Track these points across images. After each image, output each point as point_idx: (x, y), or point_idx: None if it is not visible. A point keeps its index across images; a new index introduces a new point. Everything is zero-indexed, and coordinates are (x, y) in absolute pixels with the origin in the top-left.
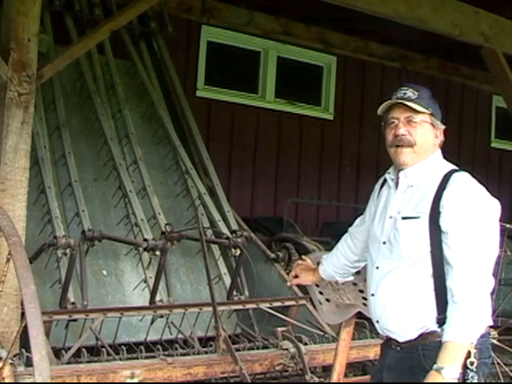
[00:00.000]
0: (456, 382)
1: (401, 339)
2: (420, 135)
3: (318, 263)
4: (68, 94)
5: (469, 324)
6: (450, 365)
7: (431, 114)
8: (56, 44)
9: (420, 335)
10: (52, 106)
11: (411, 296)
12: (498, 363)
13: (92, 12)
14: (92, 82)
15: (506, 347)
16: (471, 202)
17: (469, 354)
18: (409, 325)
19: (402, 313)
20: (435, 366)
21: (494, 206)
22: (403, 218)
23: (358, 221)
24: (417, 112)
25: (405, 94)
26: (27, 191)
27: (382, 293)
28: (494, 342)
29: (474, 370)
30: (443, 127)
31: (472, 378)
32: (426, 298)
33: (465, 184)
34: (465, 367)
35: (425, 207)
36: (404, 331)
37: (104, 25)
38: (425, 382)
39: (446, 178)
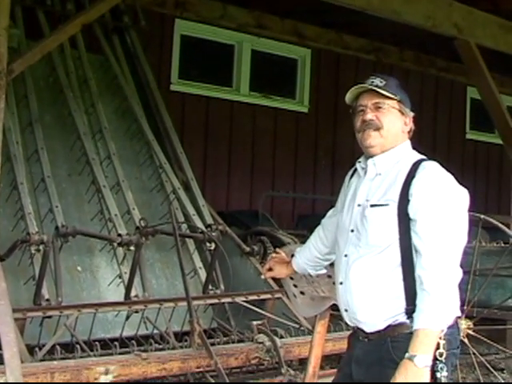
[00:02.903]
0: (428, 370)
1: (369, 329)
2: (388, 121)
3: (292, 256)
4: (40, 88)
5: (439, 311)
6: (421, 353)
7: (399, 101)
8: (28, 39)
9: (388, 326)
10: (24, 101)
11: (379, 284)
12: (474, 353)
13: (64, 7)
14: (64, 77)
15: (482, 337)
16: (440, 190)
17: (438, 346)
18: (377, 314)
19: (370, 301)
20: (407, 355)
21: (462, 195)
22: (372, 206)
23: (330, 212)
24: (384, 97)
25: (372, 82)
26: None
27: (350, 280)
28: (470, 332)
29: (443, 361)
30: (412, 115)
31: (441, 368)
32: (394, 288)
33: (434, 173)
34: (434, 358)
35: (393, 195)
36: (372, 321)
37: (75, 19)
38: (397, 371)
39: (415, 166)
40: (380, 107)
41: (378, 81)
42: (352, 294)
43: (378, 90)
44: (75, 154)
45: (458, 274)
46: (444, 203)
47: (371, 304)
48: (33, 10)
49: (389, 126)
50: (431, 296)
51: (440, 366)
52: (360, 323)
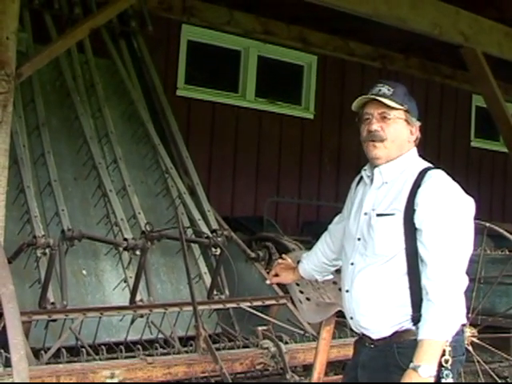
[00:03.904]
0: (432, 380)
1: (374, 336)
2: (393, 131)
3: (298, 262)
4: (47, 92)
5: (444, 322)
6: (426, 363)
7: (406, 111)
8: (35, 43)
9: (394, 333)
10: (31, 104)
11: (385, 293)
12: (478, 361)
13: (72, 11)
14: (72, 81)
15: (486, 345)
16: (445, 199)
17: (443, 352)
18: (383, 322)
19: (375, 309)
20: (411, 365)
21: (468, 204)
22: (378, 215)
23: (336, 218)
24: (390, 108)
25: (380, 90)
26: (6, 191)
27: (356, 289)
28: (474, 340)
29: (449, 367)
30: (419, 124)
31: (447, 375)
32: (400, 296)
33: (439, 182)
34: (440, 365)
35: (400, 204)
36: (378, 328)
37: (83, 23)
38: (402, 381)
39: (421, 175)
40: (385, 117)
41: (385, 89)
42: (358, 302)
43: (384, 100)
44: (81, 158)
45: (464, 283)
46: (449, 213)
47: (377, 312)
48: (40, 14)
49: (393, 136)
50: (436, 306)
51: (445, 372)
52: (366, 330)
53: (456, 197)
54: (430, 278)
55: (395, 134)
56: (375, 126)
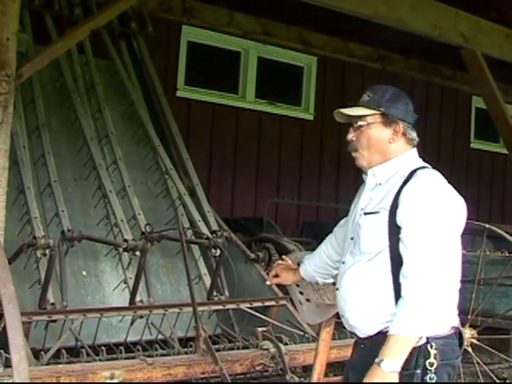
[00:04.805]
0: (395, 375)
1: (361, 335)
2: (365, 140)
3: (299, 263)
4: (48, 93)
5: (413, 319)
6: (389, 358)
7: (382, 114)
8: (36, 43)
9: (378, 332)
10: (31, 105)
11: (370, 291)
12: (478, 362)
13: (72, 11)
14: (72, 82)
15: (485, 346)
16: (428, 197)
17: (428, 355)
18: (367, 320)
19: (360, 307)
20: (376, 360)
21: (455, 204)
22: (365, 214)
23: (342, 221)
24: (362, 116)
25: (362, 97)
26: (6, 191)
27: (344, 286)
28: (474, 341)
29: (433, 371)
30: (401, 124)
31: (430, 379)
32: (384, 295)
33: (424, 180)
34: (424, 368)
35: (386, 203)
36: (363, 326)
37: (84, 24)
38: (366, 375)
39: (411, 175)
40: (358, 126)
41: (366, 96)
42: (346, 299)
43: (346, 111)
44: (82, 159)
45: (445, 284)
46: (431, 211)
47: (361, 310)
48: (41, 15)
49: (366, 144)
50: (407, 303)
51: (429, 375)
52: (353, 328)
53: (441, 196)
54: (406, 275)
55: (368, 142)
56: (350, 136)
